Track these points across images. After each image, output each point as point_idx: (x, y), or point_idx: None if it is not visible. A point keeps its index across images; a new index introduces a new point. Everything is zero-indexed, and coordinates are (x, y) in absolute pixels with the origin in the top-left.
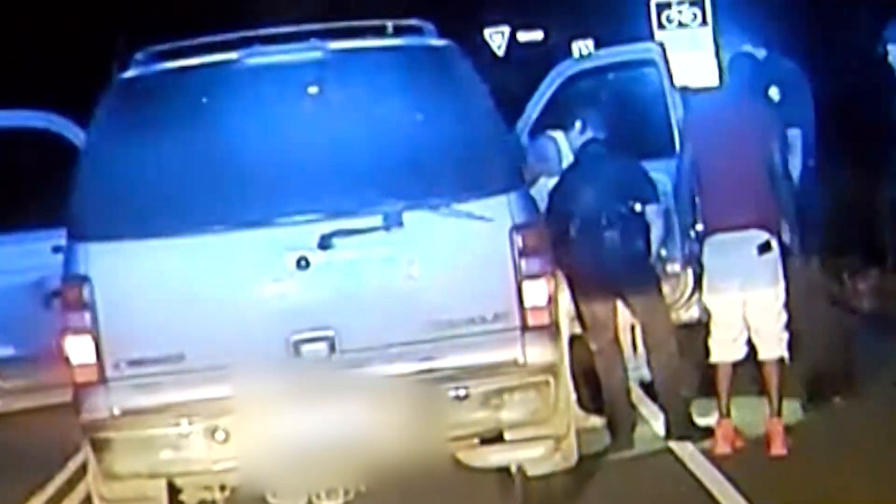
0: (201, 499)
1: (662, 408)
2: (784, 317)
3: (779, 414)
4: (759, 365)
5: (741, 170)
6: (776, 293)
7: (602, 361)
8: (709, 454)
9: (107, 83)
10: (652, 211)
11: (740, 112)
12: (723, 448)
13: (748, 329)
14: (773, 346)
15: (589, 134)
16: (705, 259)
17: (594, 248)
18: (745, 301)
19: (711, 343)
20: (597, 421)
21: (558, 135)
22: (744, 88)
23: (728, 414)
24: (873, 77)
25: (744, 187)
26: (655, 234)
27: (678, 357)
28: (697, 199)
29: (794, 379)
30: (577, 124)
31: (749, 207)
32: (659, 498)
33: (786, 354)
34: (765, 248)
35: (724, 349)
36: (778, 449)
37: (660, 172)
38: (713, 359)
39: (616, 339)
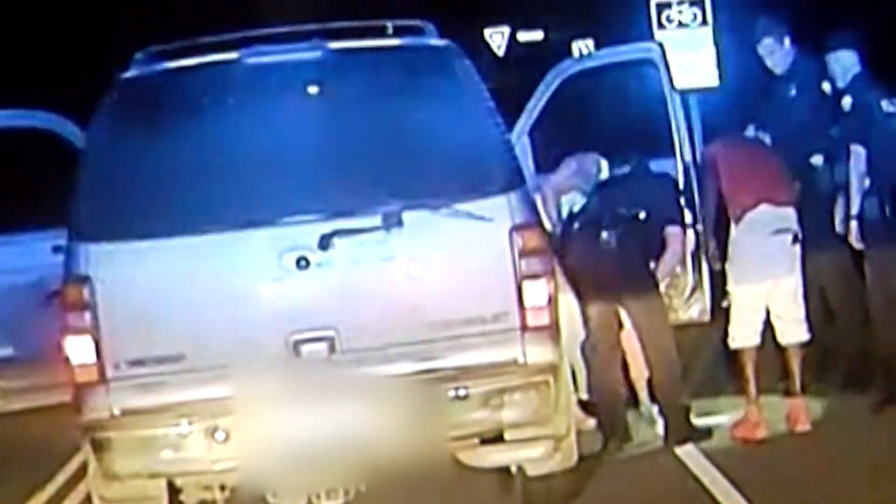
0: (201, 499)
1: (661, 413)
2: (803, 302)
3: (802, 392)
4: (782, 350)
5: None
6: (797, 279)
7: (598, 359)
8: (740, 443)
9: (107, 83)
10: (672, 231)
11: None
12: (760, 433)
13: (768, 315)
14: (798, 331)
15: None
16: (740, 235)
17: (593, 250)
18: (774, 286)
19: (734, 329)
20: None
21: (604, 162)
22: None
23: (757, 400)
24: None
25: (786, 167)
26: (671, 251)
27: (677, 363)
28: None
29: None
30: (627, 167)
31: (789, 187)
32: (659, 498)
33: (807, 336)
34: (796, 238)
35: (748, 334)
36: (802, 425)
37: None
38: (736, 345)
39: (617, 342)
